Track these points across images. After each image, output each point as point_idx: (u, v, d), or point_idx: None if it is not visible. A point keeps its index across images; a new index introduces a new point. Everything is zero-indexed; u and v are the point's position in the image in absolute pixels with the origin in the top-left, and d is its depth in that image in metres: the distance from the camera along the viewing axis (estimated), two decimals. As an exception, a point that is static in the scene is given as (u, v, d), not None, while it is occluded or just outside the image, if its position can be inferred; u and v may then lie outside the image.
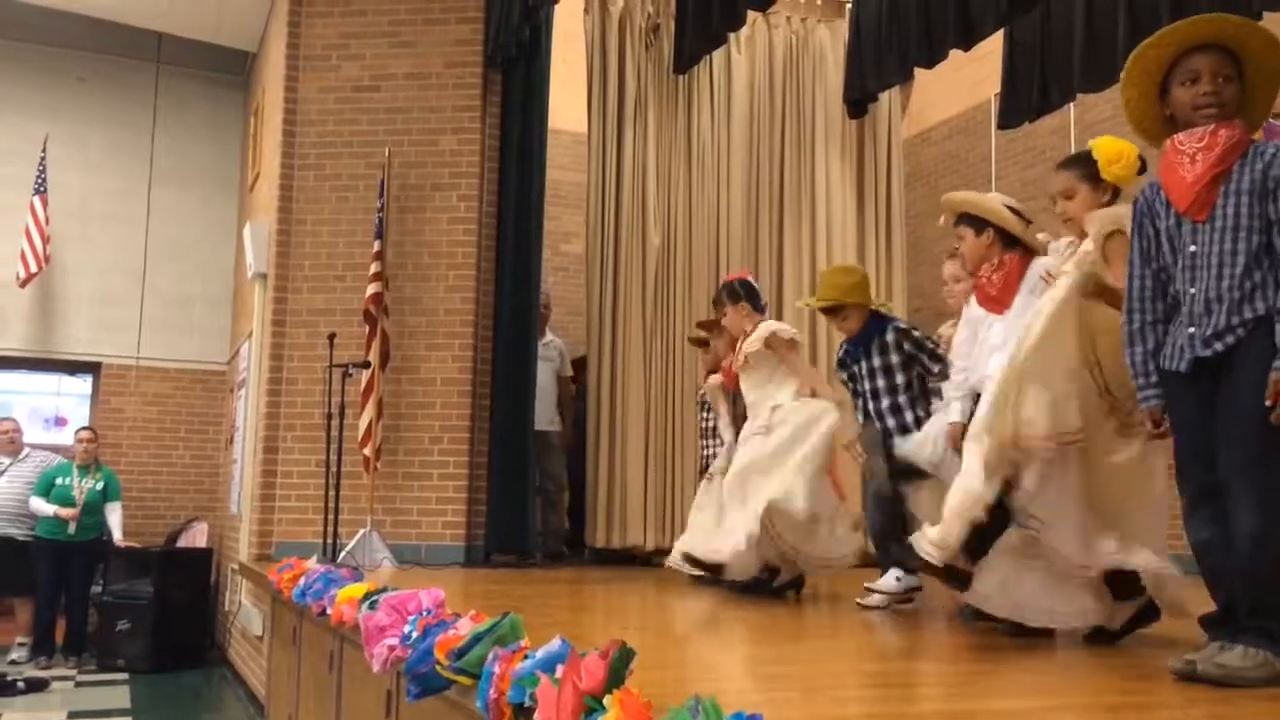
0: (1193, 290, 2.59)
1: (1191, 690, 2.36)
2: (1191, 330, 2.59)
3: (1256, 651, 2.38)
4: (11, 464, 8.18)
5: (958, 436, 3.67)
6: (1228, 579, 2.52)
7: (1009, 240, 3.67)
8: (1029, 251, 3.65)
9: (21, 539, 8.03)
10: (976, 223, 3.69)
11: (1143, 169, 3.24)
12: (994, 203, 3.78)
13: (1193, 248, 2.60)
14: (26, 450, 8.35)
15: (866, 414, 4.58)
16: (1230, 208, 2.56)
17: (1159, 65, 2.71)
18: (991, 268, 3.66)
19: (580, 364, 7.71)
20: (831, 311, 4.75)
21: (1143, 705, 2.34)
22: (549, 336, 7.50)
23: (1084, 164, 3.28)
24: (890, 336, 4.55)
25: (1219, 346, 2.53)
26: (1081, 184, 3.27)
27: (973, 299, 3.85)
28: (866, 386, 4.59)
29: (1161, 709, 2.27)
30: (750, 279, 5.25)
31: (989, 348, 3.61)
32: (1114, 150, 3.22)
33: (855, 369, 4.65)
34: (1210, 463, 2.54)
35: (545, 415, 7.20)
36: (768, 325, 4.87)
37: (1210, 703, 2.26)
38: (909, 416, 4.47)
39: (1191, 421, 2.62)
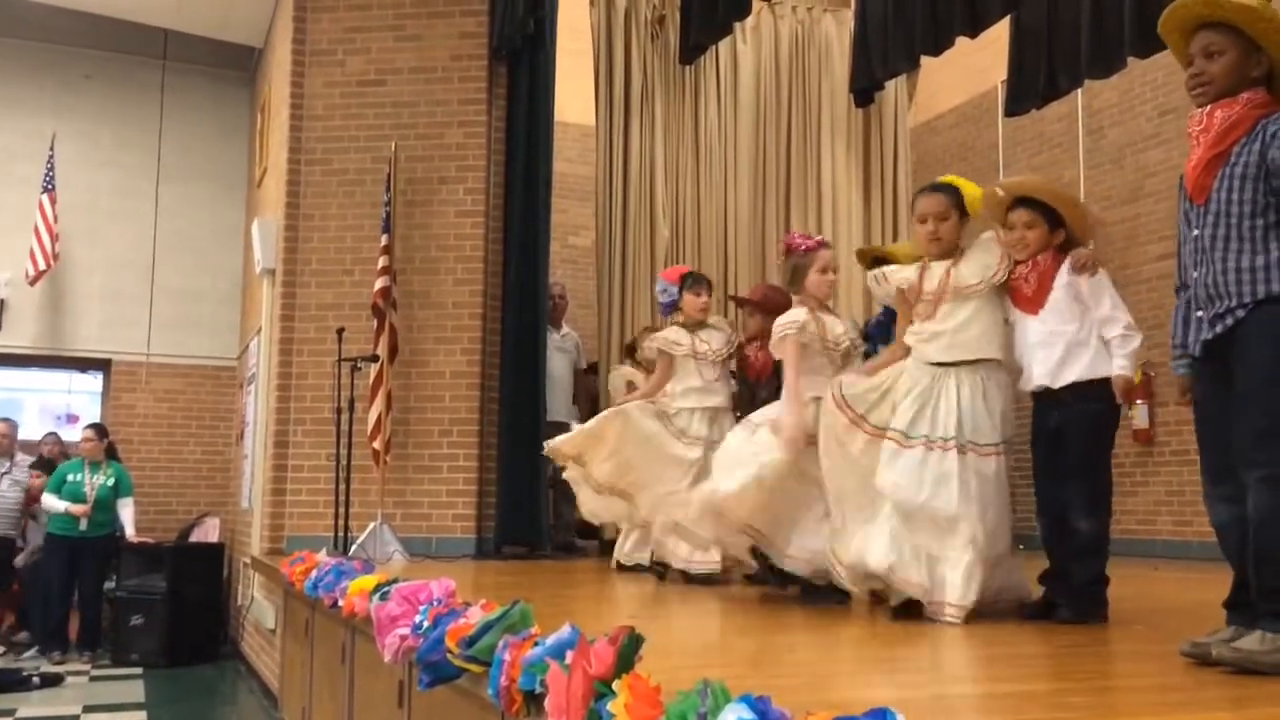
0: (1195, 275, 2.58)
1: (1203, 673, 2.35)
2: (1200, 314, 2.58)
3: (1275, 636, 2.32)
4: (11, 466, 8.20)
5: None
6: (1243, 560, 2.49)
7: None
8: (1063, 248, 3.44)
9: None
10: (1051, 216, 3.43)
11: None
12: (1085, 205, 3.67)
13: (1196, 232, 2.59)
14: (18, 454, 8.38)
15: None
16: (1224, 192, 2.51)
17: (1179, 49, 2.66)
18: (1027, 268, 3.43)
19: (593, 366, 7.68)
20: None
21: (1152, 689, 2.33)
22: (566, 329, 7.49)
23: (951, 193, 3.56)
24: None
25: (1219, 328, 2.52)
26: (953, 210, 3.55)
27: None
28: None
29: (1174, 691, 2.26)
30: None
31: (1029, 346, 3.42)
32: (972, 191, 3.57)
33: None
34: (1223, 443, 2.53)
35: (562, 407, 7.19)
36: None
37: (1222, 685, 2.25)
38: None
39: (1206, 401, 2.63)
